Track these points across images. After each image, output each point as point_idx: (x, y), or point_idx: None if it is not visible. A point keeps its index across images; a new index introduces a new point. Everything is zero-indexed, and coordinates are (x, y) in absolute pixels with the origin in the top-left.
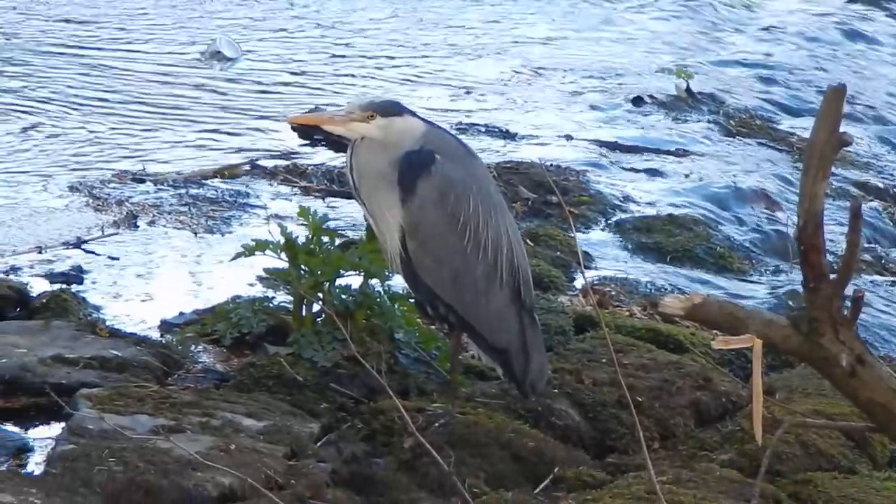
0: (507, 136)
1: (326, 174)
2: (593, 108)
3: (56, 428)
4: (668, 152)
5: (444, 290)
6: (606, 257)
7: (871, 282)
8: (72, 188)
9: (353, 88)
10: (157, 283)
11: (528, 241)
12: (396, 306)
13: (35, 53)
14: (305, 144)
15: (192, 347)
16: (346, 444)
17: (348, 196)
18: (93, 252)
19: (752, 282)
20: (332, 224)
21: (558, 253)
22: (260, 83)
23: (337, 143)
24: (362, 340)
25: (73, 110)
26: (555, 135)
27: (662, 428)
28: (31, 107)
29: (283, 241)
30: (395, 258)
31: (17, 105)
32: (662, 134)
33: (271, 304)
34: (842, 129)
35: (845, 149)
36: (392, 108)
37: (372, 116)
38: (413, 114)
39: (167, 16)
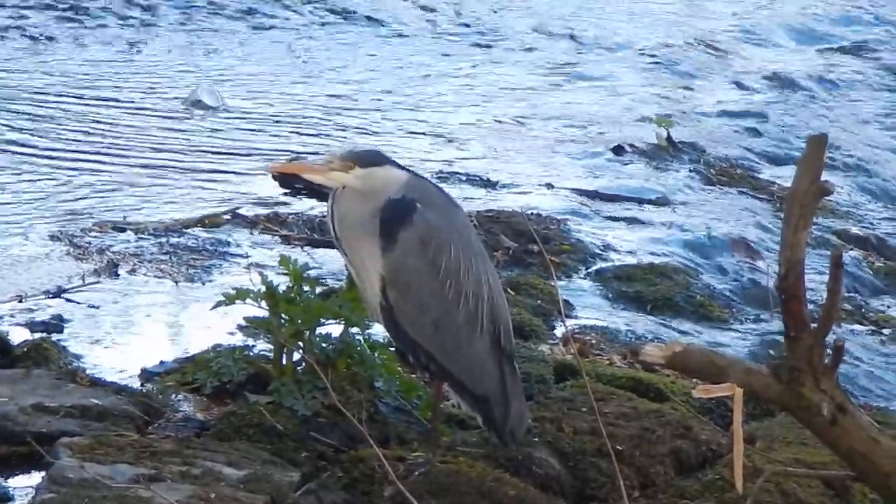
0: (488, 184)
1: (307, 223)
2: (574, 156)
3: (36, 477)
4: (649, 201)
5: (425, 338)
6: (587, 306)
7: (852, 331)
8: (52, 237)
9: (335, 138)
10: (138, 332)
11: (509, 289)
12: (377, 355)
13: (14, 103)
14: (286, 193)
15: (173, 396)
16: (327, 492)
17: (329, 245)
18: (73, 301)
19: (732, 330)
20: (312, 272)
21: (539, 302)
22: (241, 132)
23: (318, 193)
24: (343, 389)
25: (52, 159)
26: (536, 183)
27: (643, 476)
28: (12, 155)
29: (263, 289)
30: (376, 306)
31: None
32: (643, 183)
33: (252, 353)
34: (823, 179)
35: (826, 198)
36: (372, 158)
37: (351, 166)
38: (394, 163)
39: (147, 64)
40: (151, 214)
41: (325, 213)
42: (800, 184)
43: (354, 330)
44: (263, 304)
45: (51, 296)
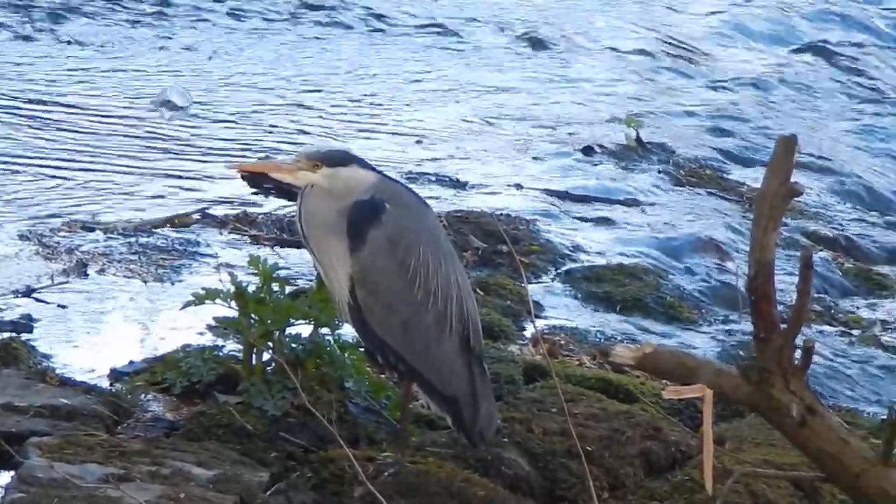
0: (458, 185)
1: (277, 223)
2: (543, 157)
3: (6, 476)
4: (618, 202)
5: (394, 338)
6: (556, 307)
7: (821, 332)
8: (21, 237)
9: (305, 138)
10: (107, 332)
11: (478, 290)
12: (346, 355)
13: None
14: (256, 193)
15: (142, 396)
16: (296, 493)
17: (298, 245)
18: (43, 301)
19: (701, 331)
20: (282, 273)
21: (508, 302)
22: (210, 132)
23: (287, 193)
24: (312, 389)
25: (21, 159)
26: (505, 184)
27: (612, 477)
28: None
29: (233, 289)
30: (344, 307)
31: None
32: (612, 183)
33: (221, 353)
34: (792, 180)
35: (796, 199)
36: (339, 158)
37: (318, 166)
38: (362, 163)
39: (117, 64)
40: (120, 214)
41: (295, 213)
42: (769, 185)
43: (324, 330)
44: (233, 304)
45: (20, 295)
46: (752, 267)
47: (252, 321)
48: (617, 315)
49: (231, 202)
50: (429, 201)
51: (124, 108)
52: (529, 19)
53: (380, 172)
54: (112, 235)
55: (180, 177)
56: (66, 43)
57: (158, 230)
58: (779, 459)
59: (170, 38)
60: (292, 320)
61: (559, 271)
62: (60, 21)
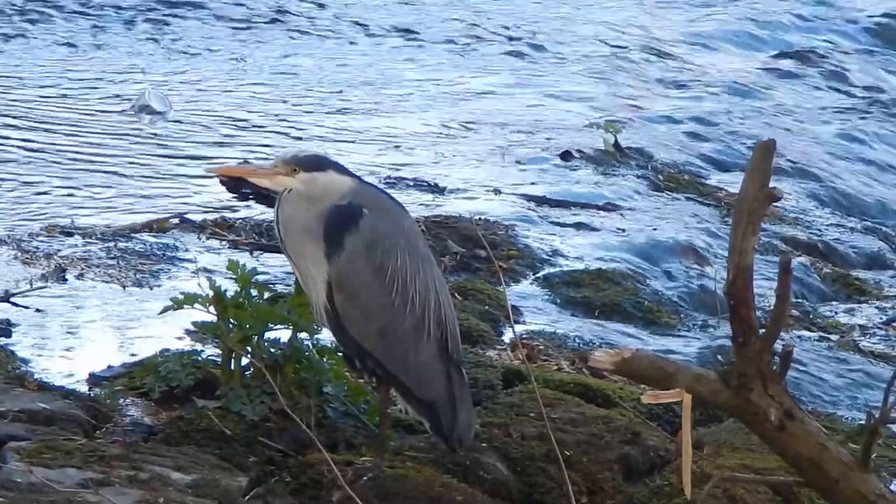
0: (436, 190)
1: (255, 228)
2: (522, 162)
3: None
4: (597, 207)
5: (372, 343)
6: (535, 311)
7: (799, 337)
8: (0, 241)
9: (283, 143)
10: (86, 337)
11: (456, 295)
12: (325, 360)
13: None
14: (234, 198)
15: (121, 401)
16: (275, 497)
17: (277, 250)
18: (21, 305)
19: (680, 336)
20: (260, 278)
21: (487, 307)
22: (189, 137)
23: (266, 198)
24: (291, 394)
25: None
26: (483, 189)
27: (591, 482)
28: None
29: (211, 294)
30: (322, 312)
31: None
32: (591, 188)
33: (200, 358)
34: (771, 185)
35: (774, 204)
36: (315, 163)
37: (296, 170)
38: (340, 168)
39: (96, 67)
40: (99, 219)
41: (272, 218)
42: (748, 190)
43: (303, 335)
44: (211, 308)
45: None
46: (730, 272)
47: (231, 326)
48: (595, 320)
49: (210, 207)
50: (407, 206)
51: (103, 112)
52: (508, 25)
53: (357, 177)
54: (91, 240)
55: (159, 181)
56: (45, 45)
57: (137, 235)
58: (757, 464)
59: (150, 40)
60: (271, 325)
61: (538, 276)
62: (38, 22)
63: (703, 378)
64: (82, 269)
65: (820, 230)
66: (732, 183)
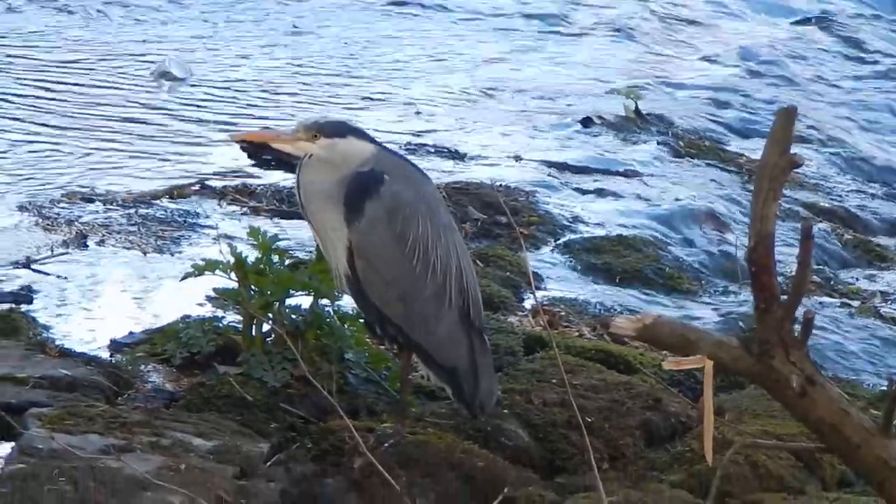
0: (457, 156)
1: (276, 194)
2: (542, 128)
3: (6, 447)
4: (618, 173)
5: (393, 310)
6: (556, 278)
7: (821, 303)
8: (21, 208)
9: (304, 109)
10: (107, 303)
11: (477, 261)
12: (346, 326)
13: None
14: (255, 164)
15: (142, 367)
16: (296, 463)
17: (298, 216)
18: (42, 272)
19: (701, 302)
20: (281, 244)
21: (508, 273)
22: (209, 103)
23: (286, 164)
24: (312, 360)
25: (22, 130)
26: (504, 155)
27: (612, 448)
28: None
29: (232, 260)
30: (343, 278)
31: None
32: (612, 155)
33: (221, 324)
34: (792, 151)
35: (795, 170)
36: (336, 128)
37: (316, 136)
38: (361, 133)
39: (117, 35)
40: (120, 185)
41: (294, 184)
42: (769, 156)
43: (324, 301)
44: (233, 275)
45: (20, 267)
46: (752, 238)
47: (252, 292)
48: (616, 286)
49: (230, 173)
50: (428, 172)
51: (124, 79)
52: None
53: (378, 143)
54: (111, 206)
55: (180, 148)
56: (66, 13)
57: (158, 201)
58: (779, 430)
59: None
60: (292, 291)
61: (559, 242)
62: None
63: (725, 344)
64: (103, 235)
65: (841, 196)
66: (753, 149)
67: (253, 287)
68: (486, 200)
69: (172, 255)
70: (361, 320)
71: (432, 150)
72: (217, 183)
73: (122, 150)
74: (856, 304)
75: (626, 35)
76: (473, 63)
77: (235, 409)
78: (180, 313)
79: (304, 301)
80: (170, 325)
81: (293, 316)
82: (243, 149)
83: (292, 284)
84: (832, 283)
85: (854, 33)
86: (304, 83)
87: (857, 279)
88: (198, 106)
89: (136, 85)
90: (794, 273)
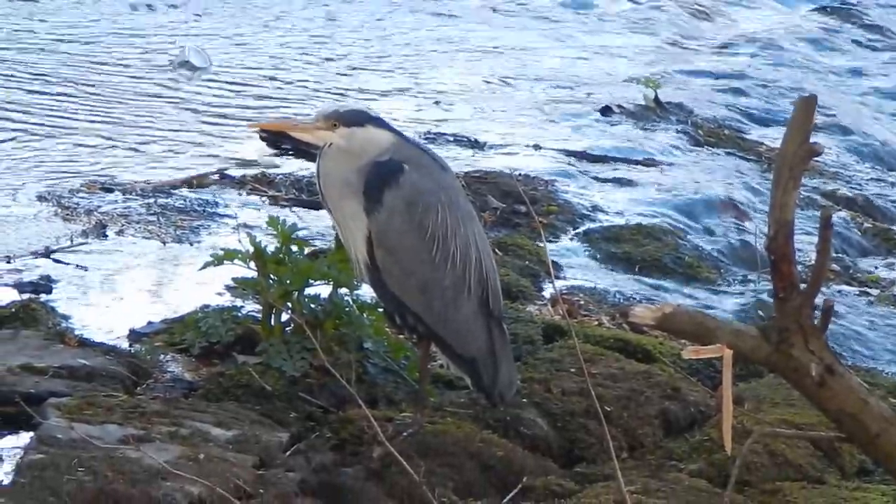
0: (476, 145)
1: (295, 184)
2: (561, 117)
3: (25, 437)
4: (637, 162)
5: (412, 299)
6: (575, 267)
7: (840, 291)
8: (41, 197)
9: (323, 99)
10: (126, 293)
11: (496, 250)
12: (365, 316)
13: (1, 62)
14: (274, 154)
15: (161, 357)
16: (315, 453)
17: (317, 206)
18: (61, 261)
19: (720, 291)
20: (300, 233)
21: (527, 262)
22: (228, 93)
23: (305, 153)
24: (331, 350)
25: (41, 119)
26: (523, 144)
27: (631, 438)
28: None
29: (252, 250)
30: (362, 268)
31: None
32: (631, 144)
33: (240, 314)
34: (812, 140)
35: (815, 159)
36: (355, 117)
37: (336, 125)
38: (381, 123)
39: (136, 25)
40: (139, 175)
41: (313, 173)
42: (789, 145)
43: (343, 291)
44: (252, 264)
45: (39, 256)
46: (771, 227)
47: (271, 282)
48: (636, 275)
49: (249, 163)
50: (447, 161)
51: (143, 68)
52: None
53: (398, 132)
54: (131, 196)
55: (199, 137)
56: (86, 1)
57: (177, 191)
58: (798, 419)
59: None
60: (311, 281)
61: (578, 231)
62: None
63: (744, 333)
64: (122, 225)
65: (860, 185)
66: (773, 138)
67: (272, 276)
68: (506, 189)
69: (191, 244)
70: (380, 310)
71: (451, 139)
72: (236, 172)
73: (141, 140)
74: (875, 292)
75: (646, 25)
76: (492, 52)
77: (254, 399)
78: (199, 303)
79: (323, 290)
80: (189, 314)
81: (312, 305)
82: (263, 137)
83: (311, 274)
84: (851, 271)
85: (874, 20)
86: (323, 73)
87: (877, 267)
88: (217, 95)
89: (155, 74)
90: (813, 261)
